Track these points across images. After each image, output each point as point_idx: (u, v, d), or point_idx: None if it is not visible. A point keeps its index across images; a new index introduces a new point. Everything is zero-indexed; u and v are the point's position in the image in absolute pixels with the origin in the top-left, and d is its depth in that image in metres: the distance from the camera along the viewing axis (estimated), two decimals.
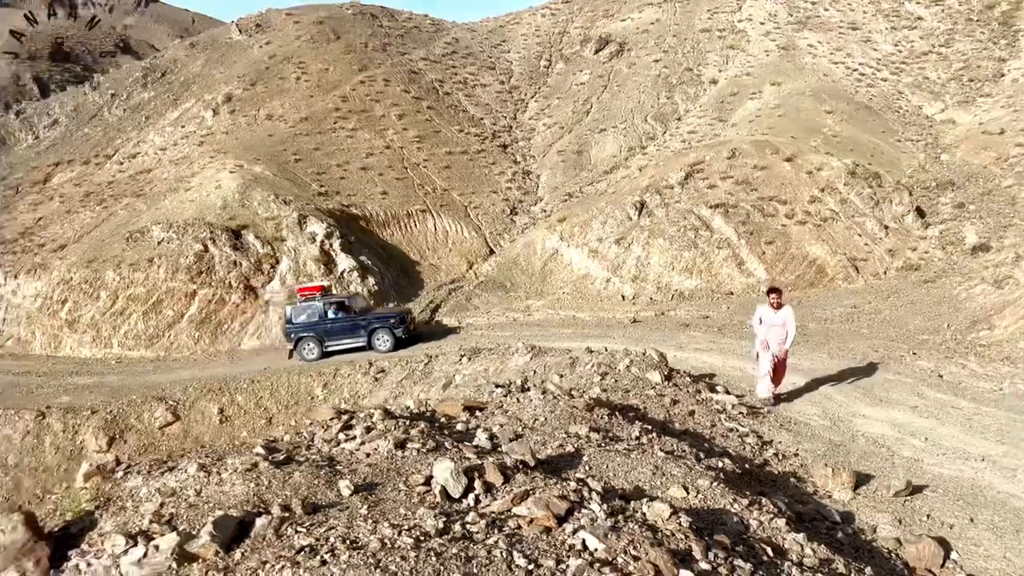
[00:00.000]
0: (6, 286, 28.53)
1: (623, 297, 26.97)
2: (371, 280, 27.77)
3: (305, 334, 22.22)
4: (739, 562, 3.47)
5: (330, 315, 22.23)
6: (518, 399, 7.10)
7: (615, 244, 28.65)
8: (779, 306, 10.74)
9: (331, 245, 27.90)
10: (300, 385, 20.25)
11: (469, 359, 19.16)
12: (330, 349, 22.15)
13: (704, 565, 3.38)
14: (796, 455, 7.69)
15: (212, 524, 3.59)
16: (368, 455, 4.83)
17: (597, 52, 51.27)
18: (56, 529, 4.41)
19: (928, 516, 5.87)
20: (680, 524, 3.73)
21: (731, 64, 47.05)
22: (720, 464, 5.82)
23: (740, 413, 9.51)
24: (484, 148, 41.64)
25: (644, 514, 3.87)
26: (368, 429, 5.42)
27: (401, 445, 4.96)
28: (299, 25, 51.98)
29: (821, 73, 43.02)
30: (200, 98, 44.02)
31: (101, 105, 50.72)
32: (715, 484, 4.79)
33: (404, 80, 46.04)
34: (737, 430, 8.49)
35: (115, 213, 32.49)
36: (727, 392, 10.92)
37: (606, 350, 13.81)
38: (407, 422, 5.57)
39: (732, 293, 25.93)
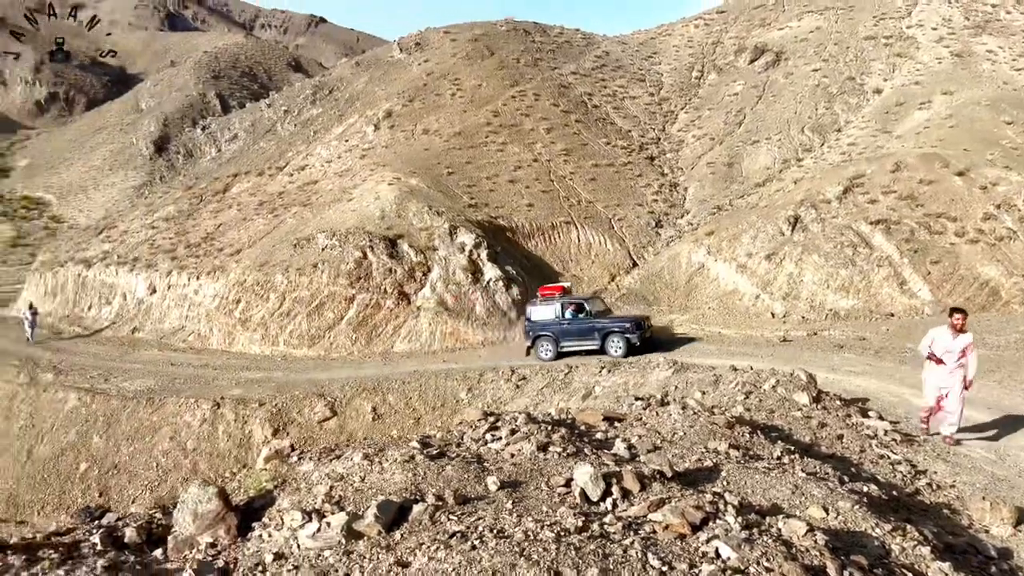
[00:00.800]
0: (189, 286, 31.51)
1: (773, 315, 26.14)
2: (515, 289, 28.44)
3: (543, 333, 22.43)
4: None
5: (567, 316, 22.26)
6: (657, 412, 7.22)
7: (766, 259, 27.83)
8: (962, 330, 9.44)
9: (479, 255, 28.84)
10: (447, 388, 21.10)
11: (609, 371, 19.30)
12: (565, 350, 22.12)
13: None
14: (952, 486, 7.31)
15: (376, 507, 4.01)
16: (512, 455, 5.15)
17: (752, 62, 49.97)
18: (242, 503, 5.03)
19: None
20: (816, 542, 3.77)
21: (898, 73, 44.51)
22: (865, 489, 5.69)
23: (893, 440, 9.11)
24: (631, 160, 41.59)
25: (779, 529, 3.93)
26: (513, 431, 5.75)
27: (543, 448, 5.24)
28: (455, 43, 54.05)
29: (1001, 81, 39.86)
30: (363, 114, 46.68)
31: (275, 120, 54.93)
32: (856, 507, 4.74)
33: (554, 94, 46.80)
34: (888, 457, 8.17)
35: (284, 221, 35.06)
36: (880, 418, 10.46)
37: (751, 368, 13.56)
38: (549, 427, 5.85)
39: (892, 315, 24.53)
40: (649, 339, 21.67)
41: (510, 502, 4.19)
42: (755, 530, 3.83)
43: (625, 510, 4.13)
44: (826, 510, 4.64)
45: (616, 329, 21.38)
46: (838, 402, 10.81)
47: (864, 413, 10.68)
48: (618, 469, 4.68)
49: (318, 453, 5.68)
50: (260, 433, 20.53)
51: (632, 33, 63.03)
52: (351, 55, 54.71)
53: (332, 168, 40.77)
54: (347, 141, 43.74)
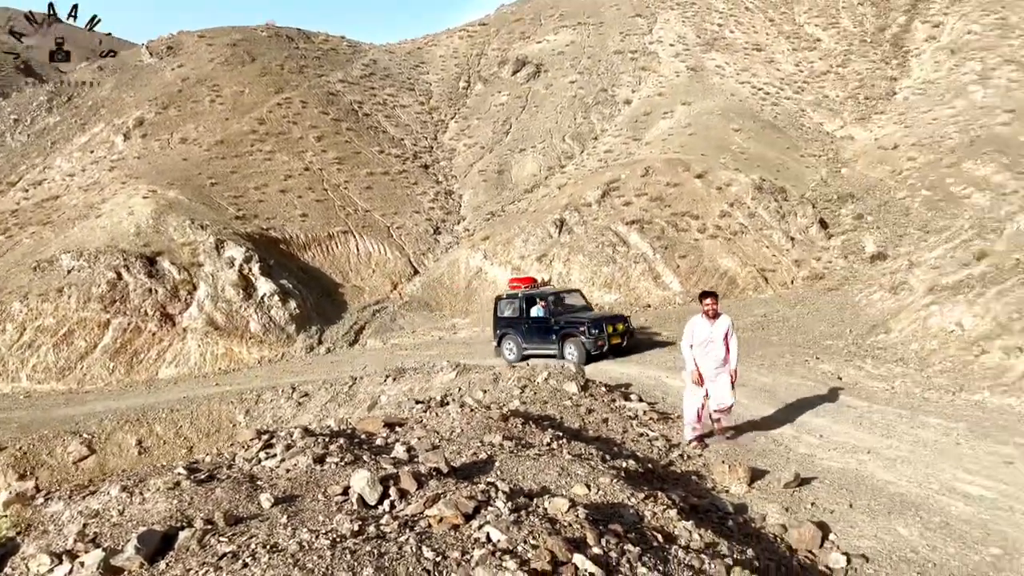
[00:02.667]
0: None
1: None
2: (292, 304, 27.54)
3: (507, 332, 19.68)
4: (629, 547, 3.84)
5: (532, 313, 19.10)
6: (437, 413, 7.38)
7: (537, 261, 29.23)
8: (716, 315, 8.89)
9: (250, 269, 27.57)
10: (221, 412, 19.95)
11: (394, 379, 19.26)
12: (527, 352, 19.10)
13: (596, 550, 3.73)
14: (700, 455, 8.19)
15: (136, 538, 3.74)
16: (288, 471, 5.03)
17: (515, 73, 52.20)
18: None
19: (812, 504, 6.39)
20: (577, 516, 4.07)
21: (644, 85, 48.65)
22: (624, 464, 6.22)
23: (651, 419, 10.00)
24: (405, 169, 41.84)
25: (545, 509, 4.20)
26: (288, 447, 5.61)
27: (320, 460, 5.17)
28: (212, 47, 51.25)
29: (729, 93, 44.91)
30: (110, 122, 42.87)
31: (3, 131, 48.74)
32: (615, 481, 5.18)
33: (322, 102, 45.88)
34: (647, 435, 8.96)
35: (20, 242, 31.28)
36: (640, 400, 11.42)
37: (528, 364, 14.19)
38: (327, 439, 5.78)
39: (650, 306, 26.77)
40: (620, 344, 17.96)
41: (285, 517, 4.10)
42: (523, 512, 4.06)
43: (402, 510, 4.20)
44: (588, 487, 5.02)
45: (571, 332, 18.07)
46: (603, 389, 11.65)
47: (626, 397, 11.59)
48: (395, 471, 4.74)
49: (68, 491, 5.18)
50: (2, 480, 18.14)
51: (399, 43, 63.43)
52: (92, 58, 49.92)
53: (76, 182, 37.05)
54: (92, 152, 39.97)
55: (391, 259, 34.06)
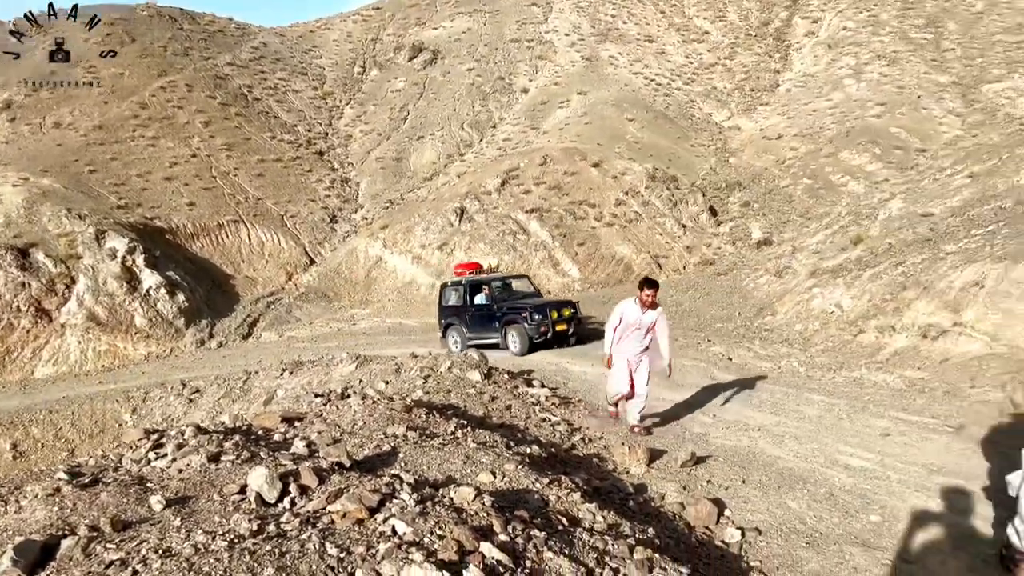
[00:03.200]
0: None
1: None
2: (180, 296, 26.39)
3: (452, 320, 18.53)
4: (535, 532, 3.87)
5: (477, 300, 17.90)
6: (337, 407, 7.23)
7: (438, 249, 29.08)
8: (653, 306, 8.48)
9: (134, 261, 26.22)
10: (106, 412, 18.94)
11: (292, 373, 18.76)
12: (473, 342, 17.77)
13: (503, 537, 3.73)
14: (600, 438, 8.36)
15: (13, 550, 3.48)
16: (180, 471, 4.80)
17: (411, 60, 51.58)
18: None
19: (708, 481, 6.63)
20: (483, 504, 4.07)
21: (540, 74, 49.05)
22: (528, 450, 6.27)
23: (553, 404, 10.13)
24: (299, 155, 40.72)
25: (451, 498, 4.18)
26: (180, 446, 5.36)
27: (215, 458, 4.97)
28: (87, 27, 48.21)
29: (623, 83, 45.87)
30: None
31: None
32: (520, 467, 5.21)
33: (209, 86, 44.00)
34: (549, 419, 9.07)
35: None
36: (542, 386, 11.55)
37: (430, 354, 14.10)
38: (221, 436, 5.56)
39: (550, 292, 27.11)
40: (567, 332, 16.83)
41: (178, 519, 3.91)
42: (429, 503, 4.03)
43: (303, 506, 4.08)
44: (494, 474, 5.03)
45: (513, 318, 16.75)
46: (506, 376, 11.71)
47: (529, 383, 11.69)
48: (295, 467, 4.60)
49: None
50: None
51: (289, 25, 61.46)
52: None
53: None
54: None
55: (286, 249, 33.12)
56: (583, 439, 8.15)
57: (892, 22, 47.37)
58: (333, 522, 3.77)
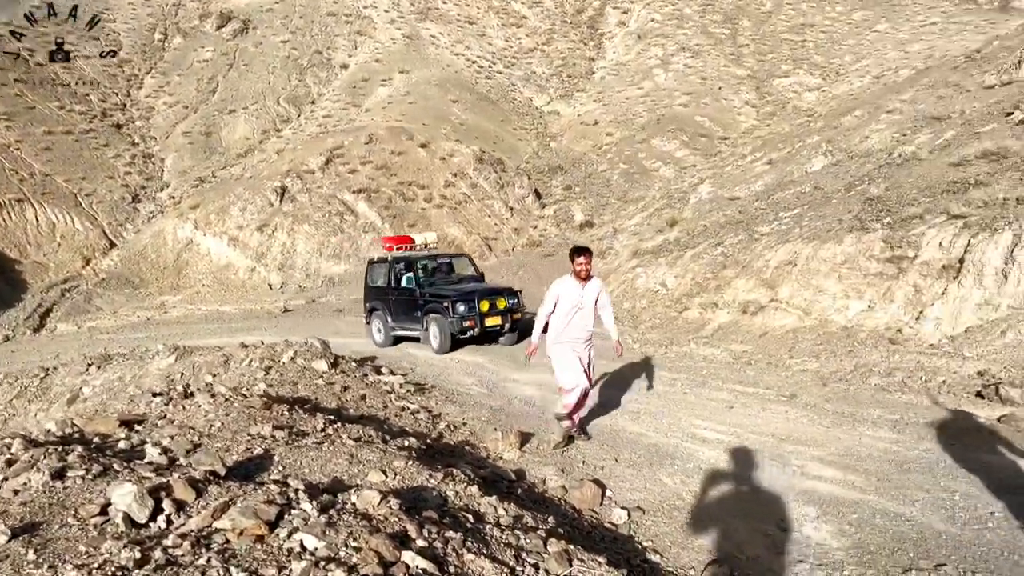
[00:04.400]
0: None
1: (271, 286, 26.11)
2: None
3: (376, 305, 15.72)
4: (451, 533, 3.67)
5: (403, 283, 15.04)
6: (184, 406, 6.55)
7: (258, 231, 27.55)
8: (588, 276, 7.19)
9: None
10: None
11: (99, 368, 16.97)
12: (397, 333, 15.26)
13: (421, 543, 3.50)
14: (465, 424, 8.23)
15: None
16: (17, 492, 4.10)
17: (219, 28, 48.33)
18: None
19: (583, 462, 6.71)
20: (391, 508, 3.80)
21: (360, 50, 47.70)
22: (406, 443, 6.02)
23: (408, 391, 9.87)
24: (93, 128, 36.97)
25: (354, 504, 3.87)
26: (9, 463, 4.59)
27: (59, 474, 4.29)
28: None
29: (445, 64, 45.64)
30: None
31: None
32: (410, 463, 4.96)
33: None
34: (408, 408, 8.82)
35: None
36: (392, 373, 11.24)
37: (263, 343, 13.28)
38: (59, 448, 4.84)
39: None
40: (501, 328, 14.16)
41: (31, 552, 3.31)
42: (333, 511, 3.70)
43: (184, 525, 3.60)
44: (384, 472, 4.74)
45: (435, 308, 13.93)
46: (353, 364, 11.27)
47: (377, 371, 11.33)
48: (165, 479, 4.07)
49: None
50: None
51: None
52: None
53: None
54: None
55: (81, 231, 29.99)
56: (448, 426, 7.98)
57: (694, 16, 50.57)
58: (229, 542, 3.36)
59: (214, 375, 11.39)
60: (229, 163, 36.40)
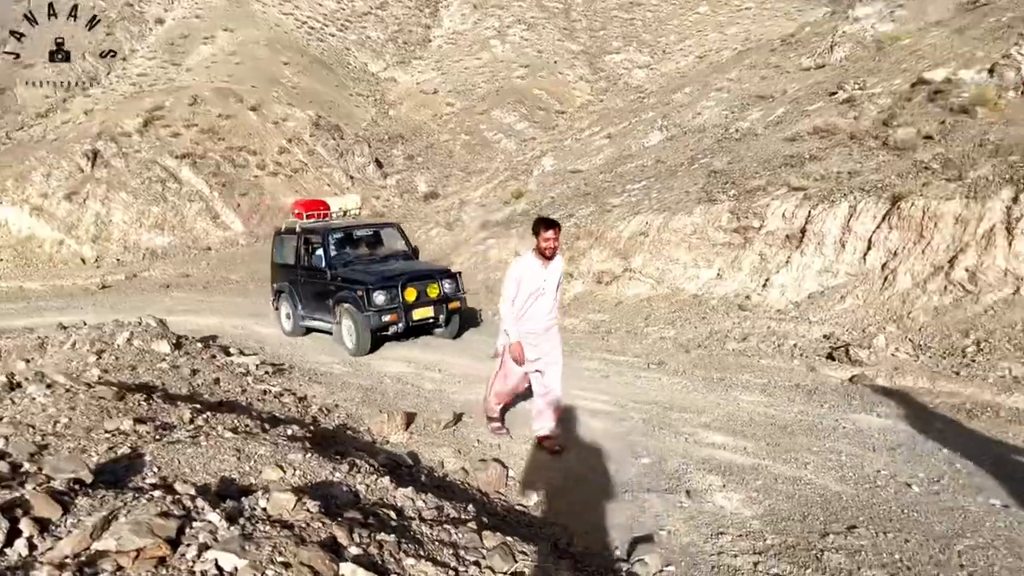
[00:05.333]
0: None
1: (83, 260, 23.59)
2: None
3: (283, 286, 12.72)
4: (382, 536, 3.24)
5: (313, 261, 12.05)
6: (13, 400, 5.55)
7: (66, 200, 24.76)
8: (553, 255, 5.97)
9: None
10: None
11: None
12: (307, 323, 12.43)
13: (355, 550, 3.05)
14: (338, 406, 7.66)
15: None
16: None
17: None
18: None
19: (478, 441, 6.40)
20: (310, 511, 3.31)
21: (178, 4, 44.09)
22: (290, 432, 5.43)
23: (266, 373, 9.10)
24: None
25: (265, 510, 3.33)
26: None
27: None
28: None
29: (273, 23, 43.13)
30: None
31: None
32: (308, 456, 4.43)
33: None
34: (270, 391, 8.10)
35: None
36: (243, 354, 10.35)
37: (85, 324, 11.85)
38: None
39: (210, 248, 24.72)
40: (434, 321, 11.31)
41: None
42: (243, 520, 3.15)
43: (53, 549, 2.93)
44: (281, 468, 4.18)
45: (346, 296, 10.94)
46: (199, 345, 10.27)
47: (225, 351, 10.41)
48: (17, 494, 3.33)
49: None
50: None
51: None
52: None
53: None
54: None
55: None
56: (320, 410, 7.39)
57: None
58: (122, 568, 2.75)
59: (27, 360, 10.01)
60: (27, 123, 32.49)
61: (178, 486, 3.63)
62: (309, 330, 12.44)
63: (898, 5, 24.06)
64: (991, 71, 13.46)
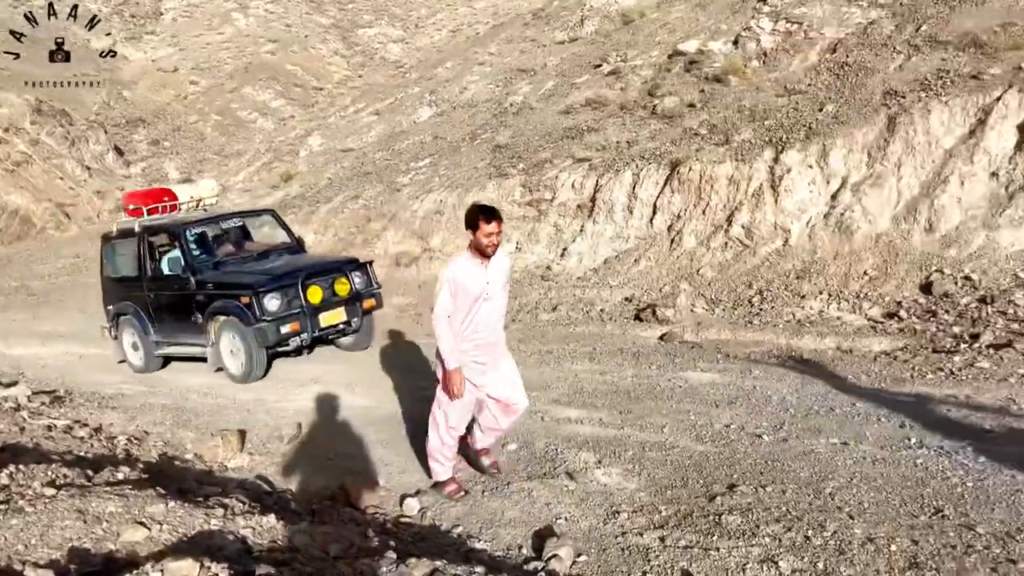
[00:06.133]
0: None
1: None
2: None
3: (125, 307, 9.83)
4: None
5: (166, 268, 9.43)
6: None
7: None
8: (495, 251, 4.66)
9: None
10: None
11: None
12: (164, 351, 9.69)
13: None
14: (148, 434, 6.72)
15: None
16: None
17: None
18: None
19: (334, 454, 5.91)
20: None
21: None
22: (121, 475, 4.61)
23: (42, 404, 7.78)
24: None
25: None
26: None
27: None
28: None
29: None
30: None
31: None
32: (170, 505, 3.77)
33: None
34: (56, 426, 6.93)
35: None
36: (13, 384, 8.80)
37: None
38: None
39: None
40: (345, 327, 9.17)
41: None
42: None
43: None
44: (144, 525, 3.49)
45: (226, 307, 8.61)
46: None
47: None
48: None
49: None
50: None
51: None
52: None
53: None
54: None
55: None
56: (129, 441, 6.44)
57: None
58: None
59: None
60: None
61: (28, 572, 2.91)
62: (167, 360, 9.93)
63: None
64: (735, 42, 14.81)
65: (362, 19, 44.55)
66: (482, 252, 4.57)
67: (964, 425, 5.41)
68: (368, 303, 9.26)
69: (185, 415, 7.37)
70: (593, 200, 12.51)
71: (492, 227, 4.49)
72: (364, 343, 9.57)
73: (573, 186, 12.88)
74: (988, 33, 11.27)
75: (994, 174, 9.84)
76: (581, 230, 12.49)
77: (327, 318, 8.71)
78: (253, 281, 8.51)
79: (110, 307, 10.16)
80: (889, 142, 10.53)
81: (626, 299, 10.76)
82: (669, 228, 11.67)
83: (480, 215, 4.52)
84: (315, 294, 8.66)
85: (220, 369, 8.77)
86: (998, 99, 10.12)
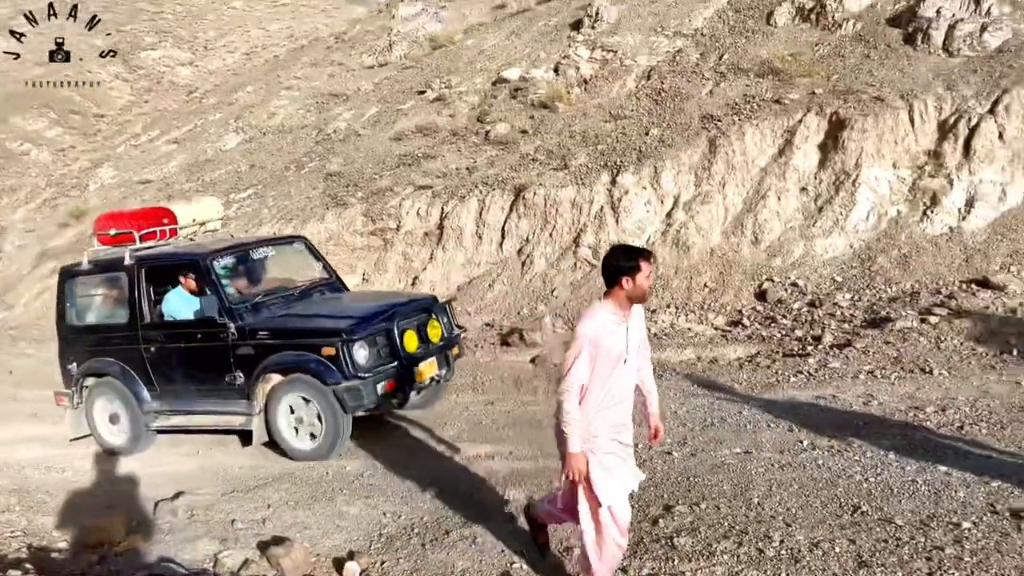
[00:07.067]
0: None
1: None
2: None
3: (98, 366, 7.22)
4: None
5: (167, 309, 7.02)
6: None
7: None
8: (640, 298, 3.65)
9: None
10: None
11: None
12: (164, 425, 7.08)
13: None
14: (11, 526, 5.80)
15: None
16: None
17: None
18: None
19: (236, 519, 5.39)
20: None
21: None
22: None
23: None
24: None
25: None
26: None
27: None
28: None
29: None
30: None
31: None
32: None
33: None
34: None
35: None
36: None
37: None
38: None
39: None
40: (433, 383, 6.94)
41: None
42: None
43: None
44: None
45: (294, 361, 6.43)
46: None
47: None
48: None
49: None
50: None
51: None
52: None
53: None
54: None
55: None
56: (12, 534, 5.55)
57: None
58: None
59: None
60: None
61: None
62: (161, 432, 7.42)
63: (441, 7, 26.16)
64: (556, 70, 15.44)
65: (144, 41, 41.53)
66: (640, 299, 3.65)
67: (840, 424, 6.02)
68: (455, 351, 7.53)
69: (34, 496, 6.42)
70: (441, 227, 12.51)
71: (644, 270, 3.55)
72: (433, 400, 7.55)
73: (419, 214, 12.80)
74: (781, 61, 12.64)
75: (804, 189, 11.05)
76: (431, 258, 12.43)
77: (423, 371, 6.81)
78: (337, 327, 6.52)
79: (71, 364, 7.66)
80: (712, 162, 11.49)
81: (487, 324, 10.85)
82: (519, 252, 11.93)
83: (639, 256, 3.57)
84: (411, 341, 6.79)
85: (269, 442, 6.74)
86: (800, 121, 11.40)
